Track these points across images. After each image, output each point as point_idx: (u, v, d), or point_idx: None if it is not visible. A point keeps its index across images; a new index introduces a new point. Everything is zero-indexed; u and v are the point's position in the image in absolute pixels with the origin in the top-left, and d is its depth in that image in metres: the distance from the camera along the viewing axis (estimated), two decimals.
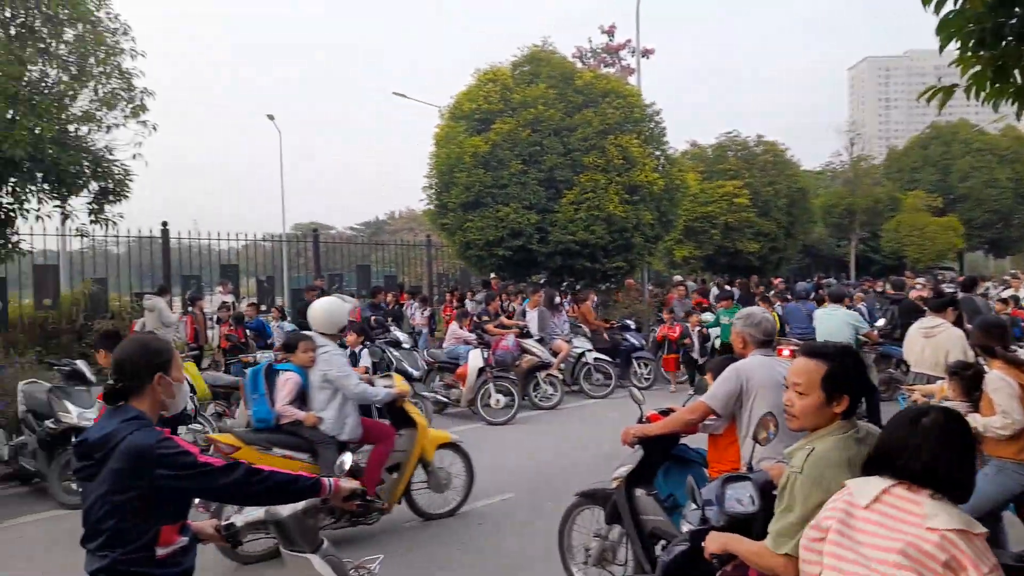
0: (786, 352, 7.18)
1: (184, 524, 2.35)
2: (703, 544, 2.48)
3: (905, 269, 26.78)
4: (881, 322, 10.48)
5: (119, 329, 9.29)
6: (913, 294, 11.42)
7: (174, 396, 2.41)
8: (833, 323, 8.47)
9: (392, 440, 5.61)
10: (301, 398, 5.39)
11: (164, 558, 2.25)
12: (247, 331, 11.63)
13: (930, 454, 1.85)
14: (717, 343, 11.00)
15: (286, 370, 5.42)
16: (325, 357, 5.38)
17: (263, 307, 14.30)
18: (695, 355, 11.78)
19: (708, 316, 11.81)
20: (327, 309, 5.63)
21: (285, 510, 2.81)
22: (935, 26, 3.41)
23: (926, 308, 7.52)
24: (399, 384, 6.06)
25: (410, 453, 5.70)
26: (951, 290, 12.88)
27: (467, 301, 14.28)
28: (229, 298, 13.73)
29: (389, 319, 12.55)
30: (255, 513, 2.83)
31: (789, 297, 14.19)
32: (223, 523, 2.71)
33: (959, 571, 1.72)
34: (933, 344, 6.44)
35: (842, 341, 4.87)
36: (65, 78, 9.38)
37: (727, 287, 15.54)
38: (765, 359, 3.64)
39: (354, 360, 7.69)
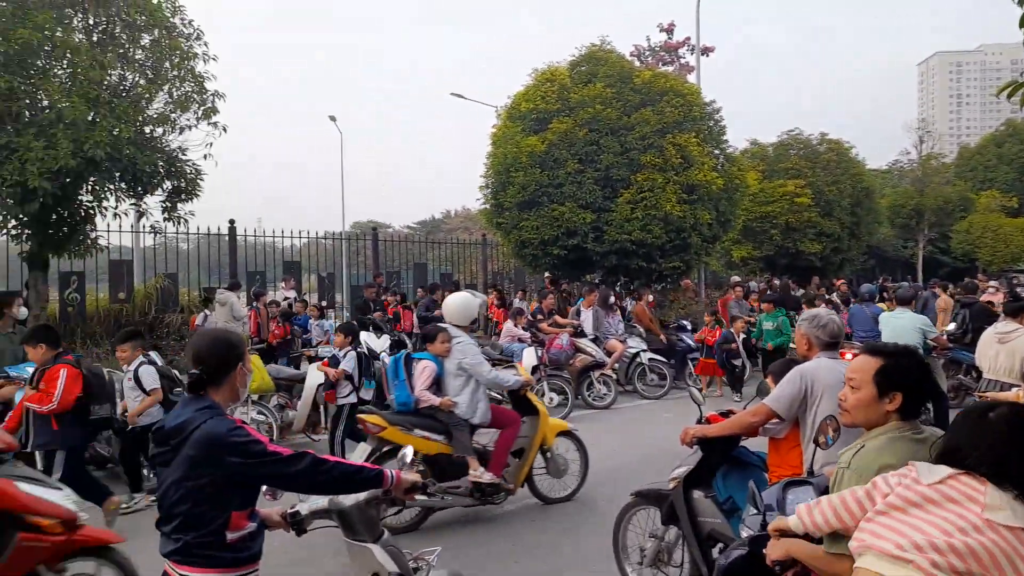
0: (849, 356, 6.98)
1: (253, 510, 2.44)
2: (763, 550, 2.45)
3: (977, 272, 25.68)
4: (951, 326, 10.11)
5: (51, 323, 9.58)
6: (984, 297, 10.96)
7: (246, 385, 2.53)
8: (900, 326, 8.20)
9: (518, 425, 5.89)
10: (437, 384, 5.77)
11: (234, 542, 2.34)
12: (294, 327, 11.93)
13: (999, 449, 1.80)
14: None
15: (423, 359, 5.80)
16: (459, 347, 5.78)
17: (323, 304, 14.63)
18: (737, 362, 11.33)
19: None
20: (461, 304, 6.02)
21: (348, 500, 2.87)
22: (1019, 19, 3.28)
23: (1000, 312, 7.23)
24: (524, 374, 6.37)
25: (532, 439, 5.99)
26: None
27: (516, 300, 14.27)
28: (292, 293, 14.12)
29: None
30: (319, 502, 2.90)
31: (831, 299, 13.71)
32: (288, 511, 2.81)
33: (1015, 569, 1.67)
34: (1008, 350, 6.20)
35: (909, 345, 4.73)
36: (142, 82, 9.79)
37: (780, 289, 15.16)
38: (830, 361, 3.58)
39: (335, 363, 7.38)
